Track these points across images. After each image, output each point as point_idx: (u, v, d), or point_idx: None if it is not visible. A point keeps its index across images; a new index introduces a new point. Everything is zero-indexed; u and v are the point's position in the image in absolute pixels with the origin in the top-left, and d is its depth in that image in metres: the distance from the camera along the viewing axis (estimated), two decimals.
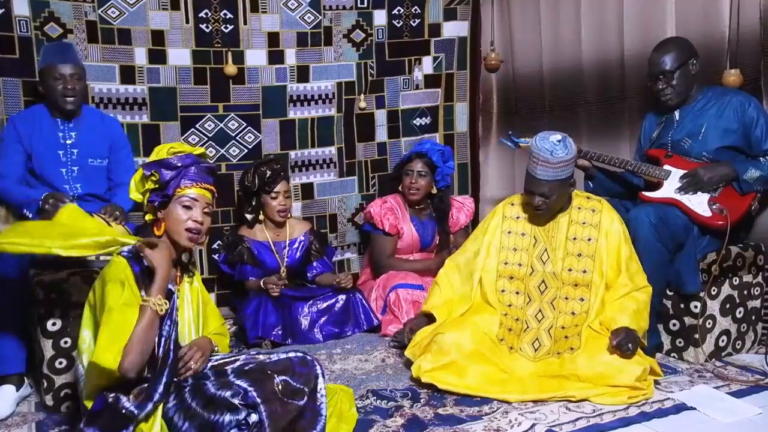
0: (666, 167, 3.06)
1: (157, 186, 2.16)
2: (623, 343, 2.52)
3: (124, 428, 1.94)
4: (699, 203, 2.95)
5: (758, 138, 2.93)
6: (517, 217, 2.91)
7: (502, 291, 2.84)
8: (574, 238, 2.82)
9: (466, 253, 2.98)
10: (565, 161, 2.65)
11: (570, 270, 2.80)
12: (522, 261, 2.85)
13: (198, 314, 2.30)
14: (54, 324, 2.54)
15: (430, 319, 2.93)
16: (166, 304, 2.03)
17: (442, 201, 3.81)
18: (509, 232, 2.89)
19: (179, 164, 2.16)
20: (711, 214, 2.92)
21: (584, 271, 2.79)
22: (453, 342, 2.66)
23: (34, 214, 2.81)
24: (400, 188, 3.78)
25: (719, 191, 2.96)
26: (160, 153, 2.19)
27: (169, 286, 2.11)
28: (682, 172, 3.01)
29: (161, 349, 2.02)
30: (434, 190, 3.76)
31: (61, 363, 2.54)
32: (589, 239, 2.80)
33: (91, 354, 1.96)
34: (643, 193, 3.09)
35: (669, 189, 3.02)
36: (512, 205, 2.94)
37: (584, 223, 2.82)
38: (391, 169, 4.08)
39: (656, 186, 3.06)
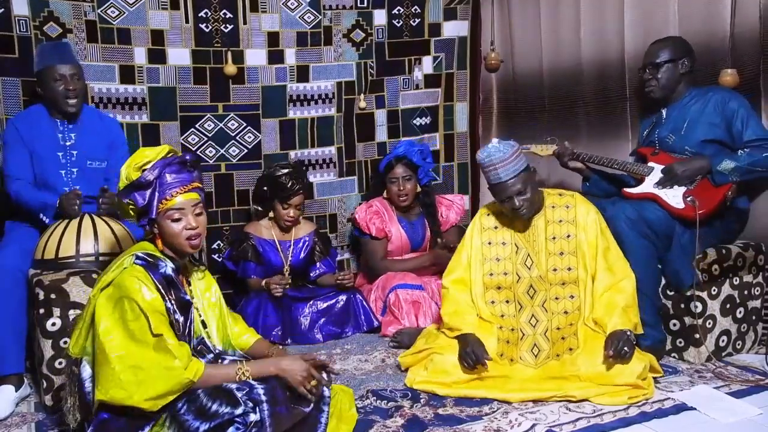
0: (650, 164, 3.11)
1: (139, 211, 2.10)
2: (619, 349, 2.51)
3: (140, 429, 1.94)
4: (674, 196, 2.98)
5: (738, 130, 2.95)
6: (495, 227, 2.90)
7: (492, 302, 2.84)
8: (554, 238, 2.82)
9: (458, 270, 2.92)
10: (514, 153, 2.70)
11: (555, 270, 2.80)
12: (507, 269, 2.84)
13: (214, 310, 2.30)
14: (54, 324, 2.54)
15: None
16: (246, 376, 2.05)
17: (427, 196, 3.80)
18: (489, 243, 2.88)
19: (151, 178, 2.05)
20: (684, 206, 2.94)
21: (569, 269, 2.79)
22: (452, 365, 2.66)
23: (51, 219, 2.81)
24: (385, 195, 3.77)
25: (695, 184, 2.98)
26: (129, 174, 2.09)
27: (186, 297, 2.10)
28: (662, 167, 3.04)
29: None
30: (418, 189, 3.76)
31: (60, 363, 2.53)
32: (568, 236, 2.81)
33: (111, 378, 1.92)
34: (625, 189, 3.13)
35: (648, 184, 3.06)
36: (488, 215, 2.93)
37: (561, 221, 2.83)
38: None
39: (642, 182, 3.09)
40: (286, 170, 3.47)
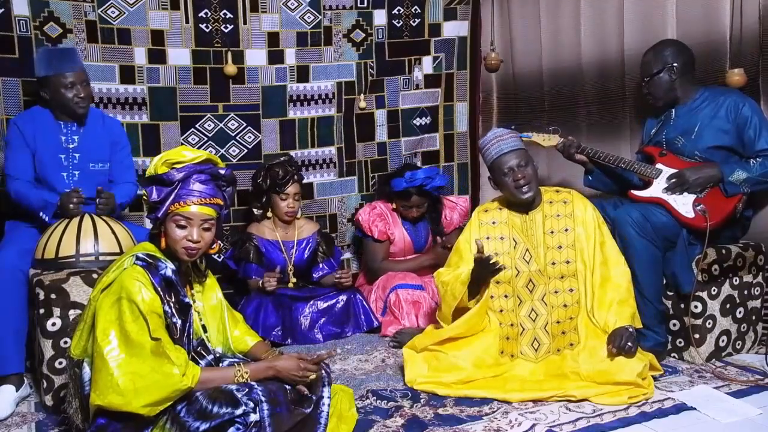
0: (658, 166, 3.07)
1: (150, 205, 2.08)
2: (622, 346, 2.53)
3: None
4: (684, 204, 2.95)
5: (751, 138, 2.92)
6: (493, 222, 2.91)
7: (492, 297, 2.84)
8: (552, 232, 2.83)
9: (451, 267, 2.93)
10: (514, 135, 2.84)
11: (554, 263, 2.81)
12: (505, 264, 2.85)
13: (215, 313, 2.29)
14: (54, 324, 2.54)
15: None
16: (244, 378, 2.06)
17: (435, 208, 3.80)
18: (488, 238, 2.89)
19: (175, 178, 2.03)
20: (694, 215, 2.92)
21: (567, 262, 2.80)
22: (462, 359, 2.68)
23: (50, 218, 2.81)
24: (393, 206, 3.74)
25: (705, 192, 2.95)
26: (156, 167, 2.06)
27: (186, 299, 2.10)
28: (671, 171, 3.02)
29: None
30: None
31: (60, 363, 2.53)
32: (566, 229, 2.82)
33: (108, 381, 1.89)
34: (632, 191, 3.10)
35: (657, 188, 3.03)
36: (486, 211, 2.94)
37: (558, 215, 2.84)
38: (390, 169, 4.06)
39: (649, 184, 3.07)
40: (277, 161, 3.52)
